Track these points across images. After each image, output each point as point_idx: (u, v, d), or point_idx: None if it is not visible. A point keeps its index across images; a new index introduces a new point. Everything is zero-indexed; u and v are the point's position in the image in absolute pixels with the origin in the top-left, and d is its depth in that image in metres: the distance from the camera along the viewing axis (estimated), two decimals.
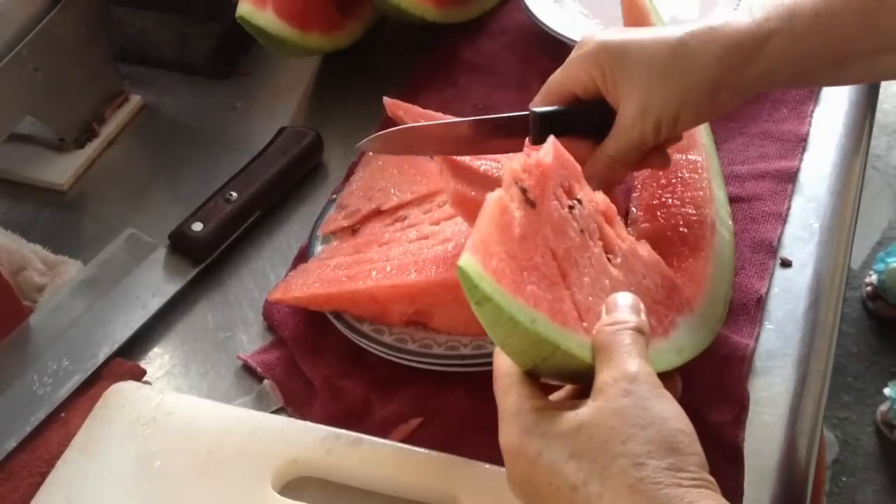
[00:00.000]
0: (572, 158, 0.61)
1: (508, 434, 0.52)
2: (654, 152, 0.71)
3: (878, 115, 2.27)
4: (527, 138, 0.70)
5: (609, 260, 0.60)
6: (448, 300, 0.70)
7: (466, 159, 0.74)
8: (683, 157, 0.78)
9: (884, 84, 2.47)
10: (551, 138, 0.61)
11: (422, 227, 0.77)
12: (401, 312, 0.73)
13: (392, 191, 0.82)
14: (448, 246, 0.73)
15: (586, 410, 0.50)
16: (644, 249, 0.64)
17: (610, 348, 0.52)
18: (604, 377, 0.51)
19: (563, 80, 0.72)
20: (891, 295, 1.91)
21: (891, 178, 2.19)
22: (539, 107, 0.72)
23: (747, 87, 0.69)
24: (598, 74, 0.70)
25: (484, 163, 0.75)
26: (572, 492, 0.49)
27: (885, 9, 0.64)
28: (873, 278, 1.95)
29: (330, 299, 0.74)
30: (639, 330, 0.53)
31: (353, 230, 0.81)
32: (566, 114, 0.72)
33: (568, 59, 0.72)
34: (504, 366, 0.55)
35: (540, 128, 0.71)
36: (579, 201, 0.59)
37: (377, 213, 0.81)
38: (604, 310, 0.55)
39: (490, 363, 0.56)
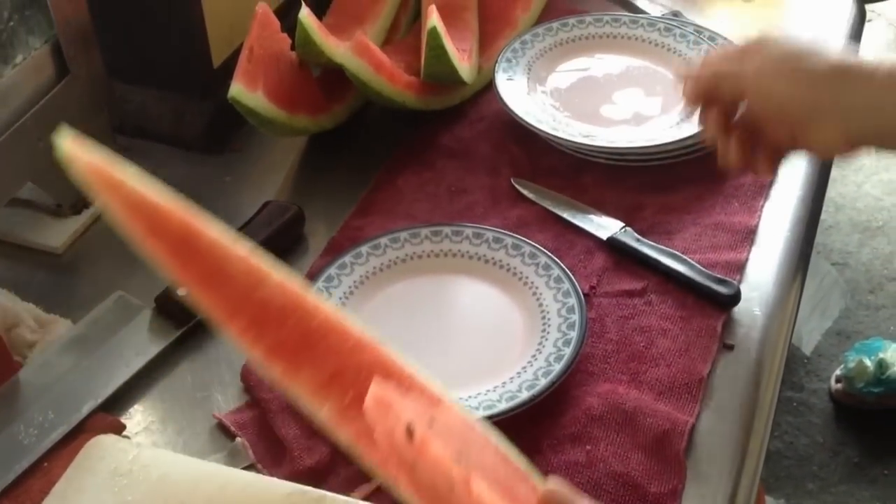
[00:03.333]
0: None
1: None
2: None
3: (852, 213, 2.34)
4: None
5: None
6: None
7: None
8: None
9: (856, 182, 2.52)
10: None
11: None
12: None
13: None
14: None
15: None
16: None
17: None
18: None
19: None
20: (853, 384, 1.95)
21: (860, 273, 2.24)
22: None
23: None
24: None
25: None
26: None
27: None
28: (841, 369, 2.00)
29: None
30: None
31: None
32: None
33: None
34: None
35: None
36: None
37: None
38: None
39: None
